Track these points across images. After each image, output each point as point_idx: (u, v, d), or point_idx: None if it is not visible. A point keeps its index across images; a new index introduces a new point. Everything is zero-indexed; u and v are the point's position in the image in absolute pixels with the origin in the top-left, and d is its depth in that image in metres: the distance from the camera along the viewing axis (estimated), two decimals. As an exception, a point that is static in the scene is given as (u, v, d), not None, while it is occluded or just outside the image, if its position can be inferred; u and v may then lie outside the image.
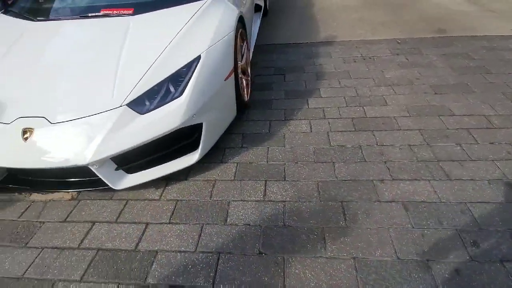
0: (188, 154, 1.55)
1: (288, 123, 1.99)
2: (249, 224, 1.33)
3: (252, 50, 2.72)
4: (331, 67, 2.66)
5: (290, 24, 3.86)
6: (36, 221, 1.44)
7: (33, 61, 1.59)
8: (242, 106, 1.99)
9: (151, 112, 1.37)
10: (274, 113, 2.10)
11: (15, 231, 1.40)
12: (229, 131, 1.90)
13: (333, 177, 1.54)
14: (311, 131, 1.90)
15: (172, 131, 1.39)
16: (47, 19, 1.80)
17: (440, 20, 3.55)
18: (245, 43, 2.14)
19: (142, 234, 1.33)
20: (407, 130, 1.83)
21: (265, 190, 1.50)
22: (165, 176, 1.57)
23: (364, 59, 2.77)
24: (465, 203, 1.33)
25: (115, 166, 1.41)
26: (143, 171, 1.49)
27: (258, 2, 3.57)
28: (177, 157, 1.54)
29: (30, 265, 1.24)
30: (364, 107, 2.08)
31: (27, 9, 1.93)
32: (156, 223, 1.38)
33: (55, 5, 1.94)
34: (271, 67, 2.75)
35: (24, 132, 1.33)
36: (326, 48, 3.06)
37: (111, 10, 1.76)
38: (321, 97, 2.25)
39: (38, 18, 1.80)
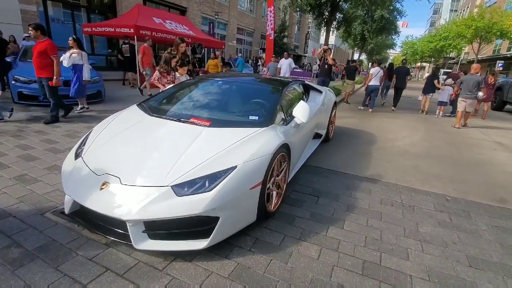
0: (199, 240, 1.82)
1: (300, 243, 2.10)
2: (217, 326, 1.40)
3: (298, 169, 3.12)
4: (365, 204, 2.75)
5: (344, 155, 4.25)
6: (74, 252, 1.84)
7: (134, 140, 2.33)
8: (265, 215, 2.24)
9: (185, 196, 1.78)
10: (292, 230, 2.26)
11: (58, 253, 1.81)
12: (246, 232, 2.13)
13: (317, 313, 1.52)
14: (317, 259, 1.95)
15: (193, 216, 1.74)
16: (158, 116, 2.66)
17: (506, 189, 3.36)
18: (285, 164, 2.55)
19: (133, 295, 1.55)
20: (419, 294, 1.69)
21: (247, 299, 1.57)
22: (175, 252, 1.85)
23: (403, 205, 2.79)
24: None
25: (143, 229, 1.79)
26: (161, 241, 1.81)
27: (320, 132, 4.19)
28: (191, 239, 1.83)
29: (49, 285, 1.57)
30: (382, 253, 2.05)
31: (149, 106, 2.91)
32: (148, 290, 1.59)
33: (166, 109, 2.88)
34: (310, 187, 3.03)
35: (103, 184, 1.89)
36: (368, 184, 3.21)
37: (196, 120, 2.51)
38: (342, 229, 2.32)
39: (152, 114, 2.70)
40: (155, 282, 1.65)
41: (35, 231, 2.01)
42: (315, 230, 2.27)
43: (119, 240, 1.82)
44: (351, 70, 10.48)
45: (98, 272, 1.69)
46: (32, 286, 1.55)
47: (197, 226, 1.82)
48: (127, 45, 9.46)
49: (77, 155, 2.24)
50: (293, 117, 2.88)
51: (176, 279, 1.68)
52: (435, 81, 8.51)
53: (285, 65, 9.49)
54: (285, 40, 27.67)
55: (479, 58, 24.30)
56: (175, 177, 1.87)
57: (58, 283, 1.59)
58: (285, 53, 10.11)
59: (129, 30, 8.92)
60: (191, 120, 2.52)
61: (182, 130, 2.39)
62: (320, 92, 4.37)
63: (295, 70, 9.07)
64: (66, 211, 2.06)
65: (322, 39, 49.30)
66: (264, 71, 10.02)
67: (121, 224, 1.80)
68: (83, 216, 2.01)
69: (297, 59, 33.55)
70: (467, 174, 3.83)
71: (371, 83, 8.43)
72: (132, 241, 1.75)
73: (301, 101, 2.89)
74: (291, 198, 2.77)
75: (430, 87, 8.66)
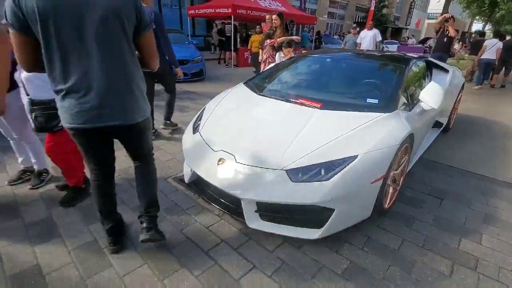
0: (312, 229, 1.73)
1: (425, 253, 1.78)
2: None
3: (415, 161, 2.68)
4: (509, 217, 2.15)
5: (471, 149, 3.45)
6: (193, 218, 2.02)
7: (245, 118, 2.34)
8: (379, 211, 1.99)
9: (299, 183, 1.69)
10: (412, 234, 1.94)
11: (181, 217, 2.02)
12: (357, 228, 1.94)
13: None
14: (450, 276, 1.62)
15: (307, 204, 1.64)
16: (264, 95, 2.63)
17: None
18: (406, 156, 2.18)
19: (245, 274, 1.58)
20: None
21: (367, 305, 1.42)
22: (285, 236, 1.82)
23: None
24: None
25: (256, 208, 1.80)
26: (272, 223, 1.79)
27: (441, 120, 3.49)
28: (302, 227, 1.76)
29: (175, 246, 1.76)
30: (548, 288, 1.55)
31: (256, 85, 2.90)
32: (260, 271, 1.60)
33: (272, 88, 2.82)
34: (429, 186, 2.56)
35: (219, 160, 1.97)
36: (510, 191, 2.51)
37: (306, 101, 2.35)
38: (480, 244, 1.87)
39: (259, 93, 2.67)
40: (267, 262, 1.66)
41: (161, 194, 2.29)
42: (442, 240, 1.90)
43: (234, 216, 1.90)
44: (477, 46, 8.46)
45: (215, 242, 1.81)
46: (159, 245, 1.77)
47: (309, 215, 1.73)
48: (230, 25, 9.88)
49: (194, 129, 2.41)
50: (417, 101, 2.41)
51: (287, 264, 1.65)
52: None
53: (368, 37, 7.47)
54: (384, 10, 24.29)
55: None
56: (290, 161, 1.78)
57: (183, 245, 1.76)
58: (370, 22, 7.93)
59: (227, 10, 9.25)
60: (300, 100, 2.38)
61: (292, 111, 2.28)
62: (446, 71, 3.58)
63: (411, 46, 7.51)
64: (186, 180, 2.26)
65: (429, 8, 41.30)
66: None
67: (235, 200, 1.85)
68: (199, 187, 2.18)
69: (397, 32, 29.10)
70: None
71: (484, 56, 7.62)
72: (245, 219, 1.79)
73: (432, 82, 2.38)
74: (406, 196, 2.40)
75: None
